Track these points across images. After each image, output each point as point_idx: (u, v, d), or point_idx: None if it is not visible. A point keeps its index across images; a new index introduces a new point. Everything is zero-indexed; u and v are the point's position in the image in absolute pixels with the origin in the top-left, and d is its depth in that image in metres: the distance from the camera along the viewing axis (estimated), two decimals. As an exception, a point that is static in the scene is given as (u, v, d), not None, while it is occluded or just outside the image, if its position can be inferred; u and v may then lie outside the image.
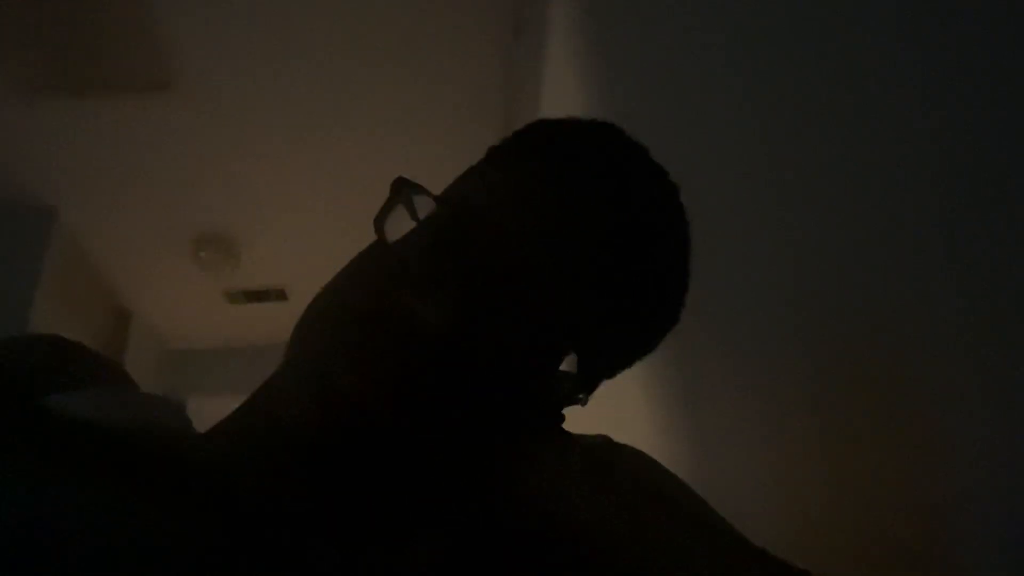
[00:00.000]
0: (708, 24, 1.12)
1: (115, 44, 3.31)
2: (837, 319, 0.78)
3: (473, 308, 0.54)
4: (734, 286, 1.01)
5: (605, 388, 0.64)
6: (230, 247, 4.55)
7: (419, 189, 0.59)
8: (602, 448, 0.68)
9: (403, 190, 0.60)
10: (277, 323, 4.80)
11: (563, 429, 0.61)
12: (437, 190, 0.65)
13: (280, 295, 4.99)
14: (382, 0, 3.23)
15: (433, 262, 0.56)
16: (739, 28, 0.99)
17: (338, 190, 4.13)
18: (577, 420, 0.62)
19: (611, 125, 0.66)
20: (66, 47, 3.30)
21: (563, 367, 0.59)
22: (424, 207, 0.60)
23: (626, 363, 0.68)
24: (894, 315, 0.68)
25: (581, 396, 0.61)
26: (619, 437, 0.68)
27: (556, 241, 0.58)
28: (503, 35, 3.39)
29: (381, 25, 3.34)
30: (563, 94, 2.38)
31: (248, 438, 0.59)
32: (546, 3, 2.57)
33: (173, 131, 3.79)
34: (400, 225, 0.59)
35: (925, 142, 0.62)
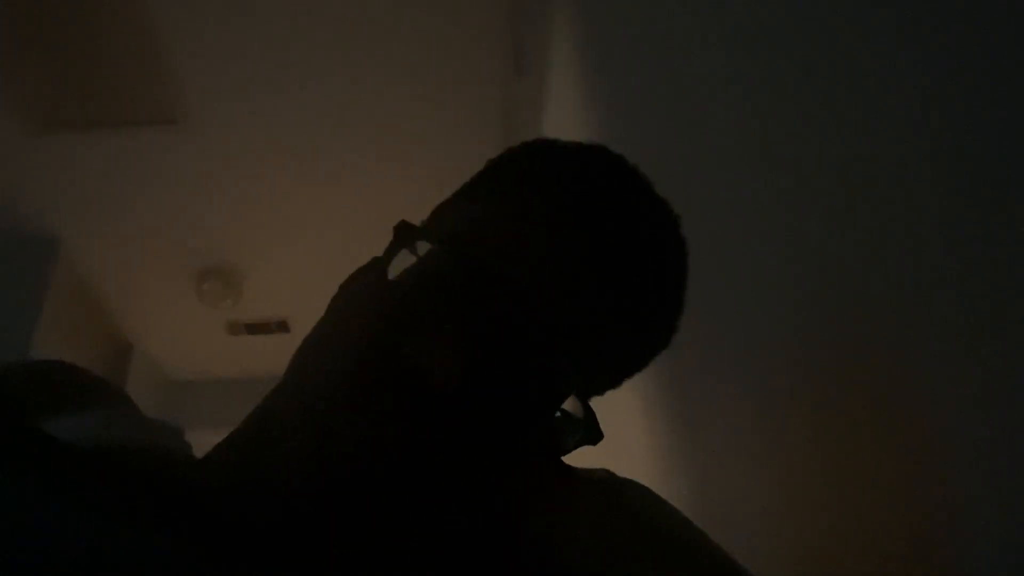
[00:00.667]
0: (709, 55, 1.12)
1: (122, 79, 3.35)
2: (836, 325, 0.77)
3: (475, 360, 0.53)
4: (732, 294, 1.01)
5: (605, 403, 0.64)
6: (232, 279, 4.55)
7: (421, 234, 0.59)
8: (603, 483, 0.68)
9: (406, 235, 0.59)
10: (279, 355, 4.80)
11: (564, 464, 0.60)
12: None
13: (282, 327, 4.99)
14: (384, 36, 3.27)
15: (434, 310, 0.55)
16: (741, 58, 0.99)
17: (340, 223, 4.15)
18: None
19: (611, 152, 0.66)
20: (74, 82, 3.34)
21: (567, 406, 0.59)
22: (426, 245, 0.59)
23: (614, 383, 0.67)
24: (894, 324, 0.67)
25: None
26: (618, 452, 0.67)
27: (557, 281, 0.57)
28: (505, 69, 3.41)
29: (383, 60, 3.37)
30: (564, 124, 2.38)
31: (246, 468, 0.59)
32: (547, 37, 2.59)
33: (177, 164, 3.82)
34: (401, 260, 0.59)
35: (925, 142, 0.62)
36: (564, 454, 0.60)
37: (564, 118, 2.37)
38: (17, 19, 3.06)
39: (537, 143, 0.68)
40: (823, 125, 0.77)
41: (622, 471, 0.67)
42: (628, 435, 1.45)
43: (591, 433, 0.58)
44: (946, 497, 0.61)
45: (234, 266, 4.53)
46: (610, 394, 0.67)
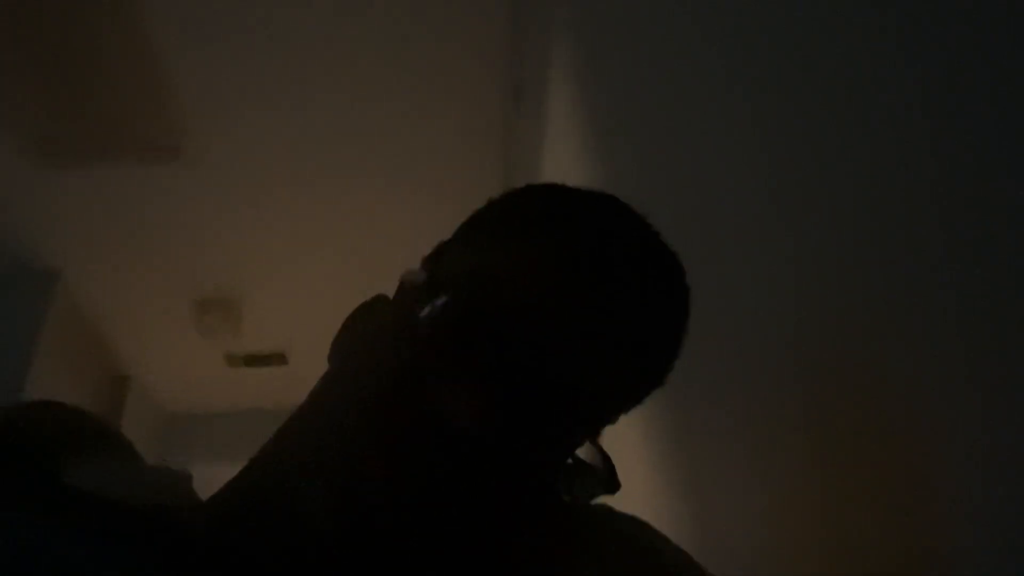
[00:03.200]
0: (706, 88, 1.12)
1: (123, 113, 3.36)
2: (837, 352, 0.76)
3: (499, 402, 0.53)
4: (731, 321, 1.00)
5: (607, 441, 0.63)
6: (232, 311, 4.55)
7: (429, 290, 0.59)
8: (601, 520, 0.68)
9: (413, 292, 0.60)
10: (278, 388, 4.81)
11: (565, 503, 0.60)
12: None
13: (281, 359, 4.98)
14: (385, 68, 3.29)
15: (454, 354, 0.55)
16: (740, 91, 0.99)
17: (340, 256, 4.16)
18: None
19: (620, 201, 0.66)
20: (74, 115, 3.35)
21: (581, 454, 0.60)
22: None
23: (611, 421, 0.66)
24: (893, 357, 0.66)
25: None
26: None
27: (567, 326, 0.57)
28: (505, 100, 3.43)
29: (383, 92, 3.39)
30: (562, 155, 2.40)
31: (258, 507, 0.58)
32: (546, 67, 2.61)
33: (178, 197, 3.83)
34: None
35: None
36: (582, 502, 0.61)
37: (562, 149, 2.39)
38: (19, 52, 3.08)
39: (546, 186, 0.68)
40: (826, 159, 0.77)
41: (621, 501, 0.66)
42: (627, 466, 1.44)
43: (610, 483, 0.59)
44: (950, 530, 0.59)
45: (233, 298, 4.53)
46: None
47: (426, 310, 0.57)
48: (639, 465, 1.42)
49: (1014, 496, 0.52)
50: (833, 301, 0.76)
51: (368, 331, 0.62)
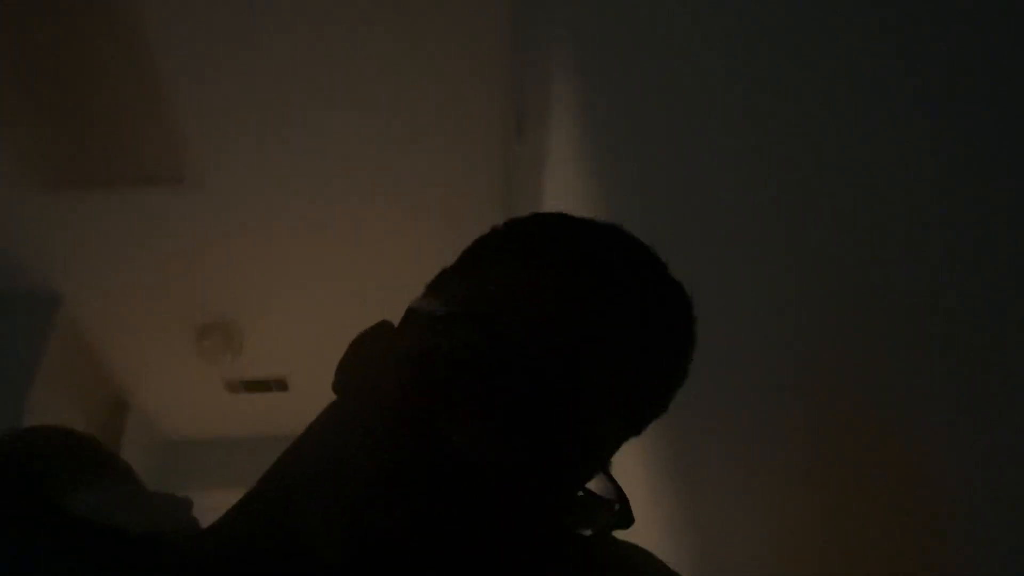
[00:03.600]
0: (707, 96, 1.13)
1: (128, 138, 3.38)
2: (833, 360, 0.76)
3: (517, 445, 0.53)
4: (728, 332, 0.99)
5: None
6: (232, 336, 4.55)
7: (439, 319, 0.59)
8: (605, 548, 0.68)
9: (419, 317, 0.60)
10: (278, 414, 4.81)
11: (579, 536, 0.60)
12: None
13: (281, 385, 4.97)
14: (388, 97, 3.31)
15: (466, 385, 0.55)
16: (740, 91, 0.99)
17: (341, 281, 4.17)
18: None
19: (625, 231, 0.66)
20: (80, 141, 3.37)
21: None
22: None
23: (617, 447, 0.67)
24: (893, 357, 0.66)
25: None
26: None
27: (578, 355, 0.57)
28: (506, 132, 3.45)
29: (386, 121, 3.41)
30: (561, 187, 2.41)
31: (262, 551, 0.58)
32: (547, 90, 2.62)
33: (179, 222, 3.85)
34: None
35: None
36: (598, 535, 0.60)
37: (562, 182, 2.40)
38: (22, 77, 3.10)
39: (551, 216, 0.68)
40: (826, 160, 0.77)
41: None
42: (629, 491, 1.43)
43: (624, 517, 0.59)
44: (950, 530, 0.59)
45: (234, 324, 4.53)
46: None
47: (445, 344, 0.57)
48: (638, 488, 1.41)
49: (1014, 496, 0.52)
50: (833, 301, 0.75)
51: (375, 359, 0.61)
